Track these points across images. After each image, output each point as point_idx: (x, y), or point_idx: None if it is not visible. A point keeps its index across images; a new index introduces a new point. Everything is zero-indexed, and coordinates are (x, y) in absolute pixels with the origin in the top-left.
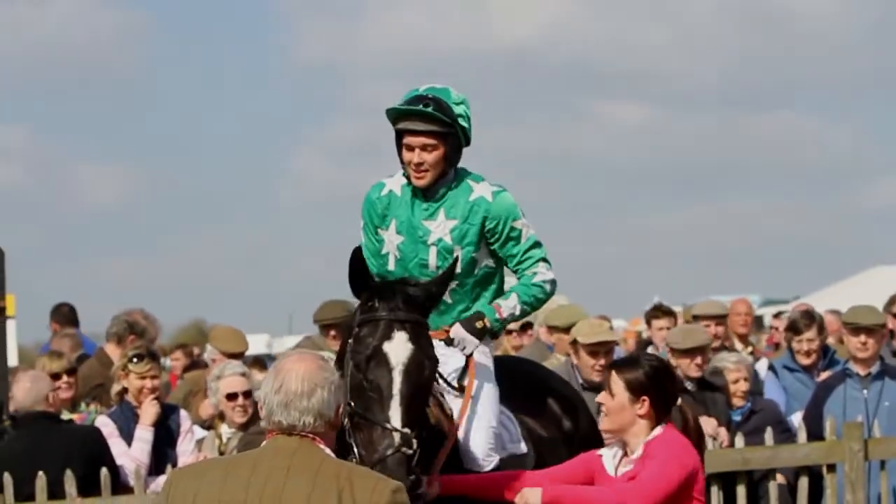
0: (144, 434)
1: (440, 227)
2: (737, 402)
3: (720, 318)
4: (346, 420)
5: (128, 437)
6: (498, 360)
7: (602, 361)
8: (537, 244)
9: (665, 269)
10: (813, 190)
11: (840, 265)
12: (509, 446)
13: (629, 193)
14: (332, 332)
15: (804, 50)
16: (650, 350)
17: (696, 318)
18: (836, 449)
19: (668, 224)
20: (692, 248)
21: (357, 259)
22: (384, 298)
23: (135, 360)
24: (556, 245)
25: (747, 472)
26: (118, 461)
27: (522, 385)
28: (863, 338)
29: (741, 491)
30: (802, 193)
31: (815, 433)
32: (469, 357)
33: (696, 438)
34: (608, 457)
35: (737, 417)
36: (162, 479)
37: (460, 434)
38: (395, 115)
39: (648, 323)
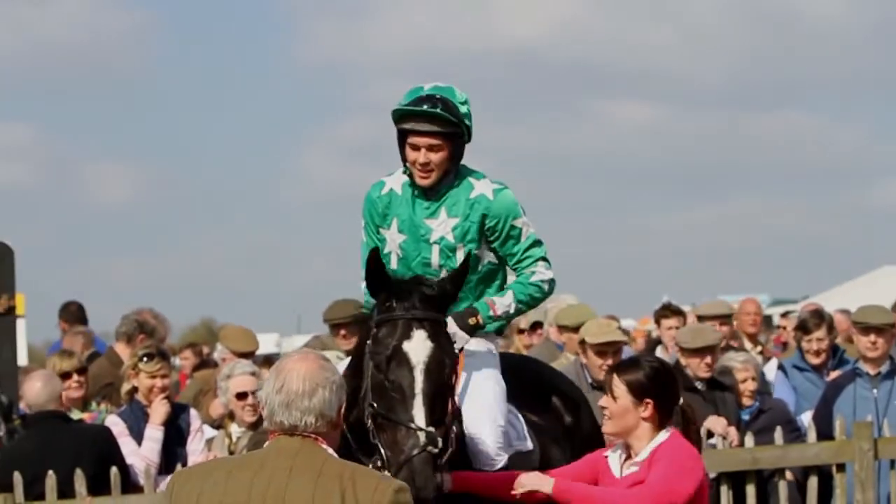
0: (154, 433)
1: (442, 225)
2: (745, 401)
3: (725, 318)
4: (370, 421)
5: (138, 436)
6: (502, 358)
7: (609, 361)
8: (537, 243)
9: (674, 269)
10: (821, 189)
11: (849, 265)
12: (515, 443)
13: (638, 193)
14: (342, 332)
15: (810, 49)
16: (659, 349)
17: (700, 318)
18: (846, 448)
19: (677, 224)
20: (701, 247)
21: (375, 259)
22: (401, 298)
23: (145, 359)
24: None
25: (757, 472)
26: (128, 460)
27: (526, 382)
28: (872, 337)
29: (751, 490)
30: (811, 193)
31: (825, 433)
32: (459, 352)
33: (696, 439)
34: (613, 458)
35: (745, 417)
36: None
37: (468, 433)
38: (400, 115)
39: (657, 322)
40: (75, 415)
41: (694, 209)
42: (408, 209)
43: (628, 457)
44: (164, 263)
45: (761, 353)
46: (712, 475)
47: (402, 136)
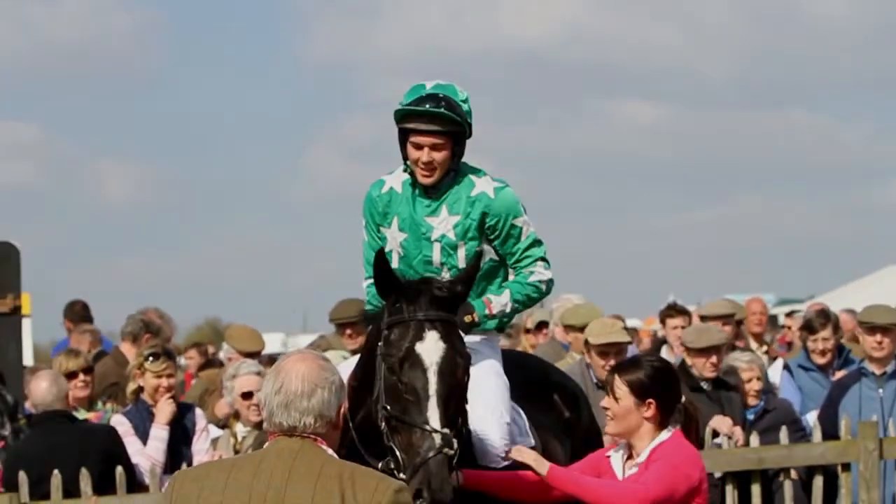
0: (160, 433)
1: (443, 223)
2: (750, 400)
3: (727, 318)
4: (383, 424)
5: (143, 435)
6: (501, 354)
7: (612, 362)
8: (537, 242)
9: (680, 269)
10: (828, 189)
11: (855, 265)
12: (519, 439)
13: (643, 193)
14: (348, 331)
15: (818, 49)
16: (665, 349)
17: (703, 318)
18: (851, 448)
19: (682, 223)
20: (707, 247)
21: (382, 261)
22: (412, 299)
23: (151, 358)
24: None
25: (762, 472)
26: (134, 460)
27: (525, 378)
28: (878, 337)
29: (756, 490)
30: (817, 193)
31: (830, 432)
32: None
33: (696, 436)
34: (615, 458)
35: (750, 416)
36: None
37: (474, 430)
38: (403, 114)
39: (663, 322)
40: (81, 414)
41: (699, 209)
42: (408, 207)
43: (630, 457)
44: (170, 263)
45: (767, 352)
46: (717, 475)
47: (404, 135)
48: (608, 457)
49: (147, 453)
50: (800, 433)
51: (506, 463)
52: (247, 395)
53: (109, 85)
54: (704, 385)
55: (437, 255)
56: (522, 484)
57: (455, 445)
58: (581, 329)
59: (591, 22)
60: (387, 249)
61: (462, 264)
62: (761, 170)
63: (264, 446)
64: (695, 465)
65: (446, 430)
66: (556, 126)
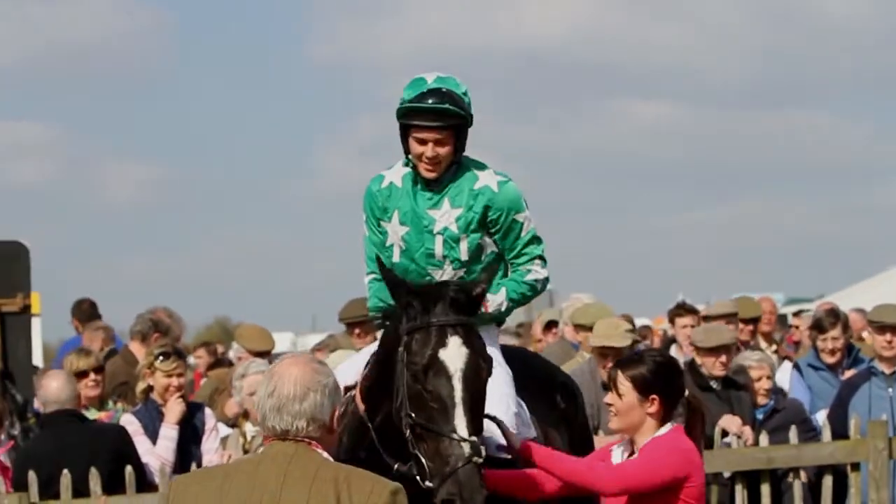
0: (169, 432)
1: (445, 215)
2: (760, 400)
3: (731, 318)
4: (408, 431)
5: (153, 435)
6: (501, 349)
7: (609, 365)
8: (536, 239)
9: (689, 268)
10: (837, 188)
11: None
12: (521, 430)
13: (653, 192)
14: (357, 330)
15: (826, 48)
16: (674, 348)
17: (706, 318)
18: (861, 447)
19: (692, 222)
20: (716, 246)
21: (386, 269)
22: (430, 303)
23: (161, 358)
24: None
25: (771, 471)
26: (143, 459)
27: (522, 371)
28: (888, 336)
29: (765, 489)
30: (826, 192)
31: (840, 432)
32: None
33: (702, 430)
34: (617, 453)
35: (760, 416)
36: (200, 469)
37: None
38: (407, 110)
39: (672, 321)
40: (92, 414)
41: (709, 208)
42: (409, 201)
43: (632, 453)
44: (179, 262)
45: (776, 352)
46: (727, 474)
47: (406, 129)
48: (611, 451)
49: (157, 453)
50: (810, 433)
51: (510, 455)
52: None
53: (119, 84)
54: (714, 384)
55: (439, 248)
56: (530, 486)
57: (483, 453)
58: (591, 328)
59: (591, 22)
60: (388, 243)
61: (464, 257)
62: (772, 169)
63: (259, 451)
64: (686, 461)
65: (474, 438)
66: (564, 125)
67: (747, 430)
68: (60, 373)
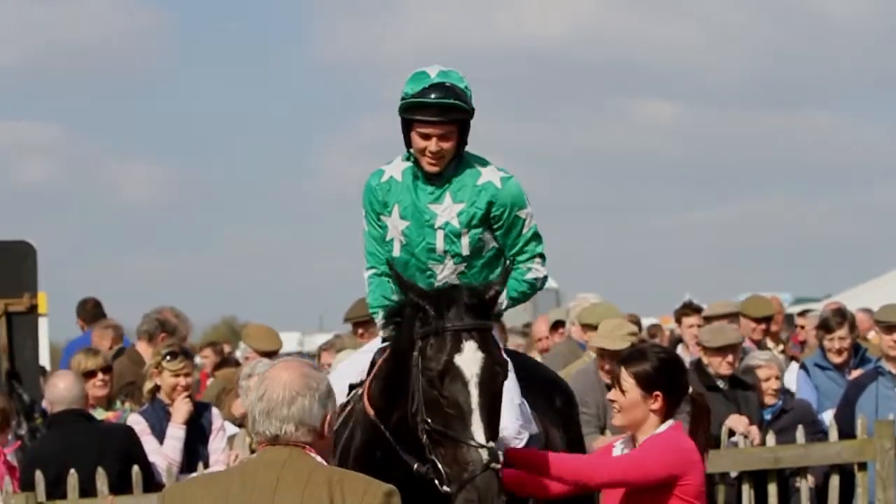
0: (176, 432)
1: (447, 210)
2: (768, 399)
3: (732, 318)
4: (425, 437)
5: (160, 434)
6: None
7: (607, 366)
8: (537, 236)
9: (696, 268)
10: (844, 188)
11: (871, 263)
12: (523, 423)
13: (659, 191)
14: (360, 330)
15: (827, 48)
16: (680, 348)
17: (707, 319)
18: (868, 447)
19: (699, 222)
20: (723, 246)
21: (396, 273)
22: (444, 307)
23: (168, 357)
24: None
25: (778, 471)
26: (150, 459)
27: (522, 371)
28: (895, 336)
29: (772, 489)
30: (833, 192)
31: (847, 431)
32: None
33: (706, 428)
34: (618, 450)
35: (767, 416)
36: (193, 476)
37: None
38: (410, 105)
39: (678, 321)
40: (99, 413)
41: (716, 208)
42: (410, 195)
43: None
44: (186, 262)
45: (783, 351)
46: (734, 474)
47: (408, 124)
48: (612, 448)
49: (164, 452)
50: (818, 434)
51: (521, 444)
52: None
53: (119, 84)
54: (721, 384)
55: (440, 243)
56: (539, 486)
57: (501, 458)
58: (597, 328)
59: (591, 22)
60: (388, 238)
61: (465, 252)
62: (778, 169)
63: (252, 456)
64: (682, 459)
65: (492, 444)
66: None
67: (754, 429)
68: (68, 372)
